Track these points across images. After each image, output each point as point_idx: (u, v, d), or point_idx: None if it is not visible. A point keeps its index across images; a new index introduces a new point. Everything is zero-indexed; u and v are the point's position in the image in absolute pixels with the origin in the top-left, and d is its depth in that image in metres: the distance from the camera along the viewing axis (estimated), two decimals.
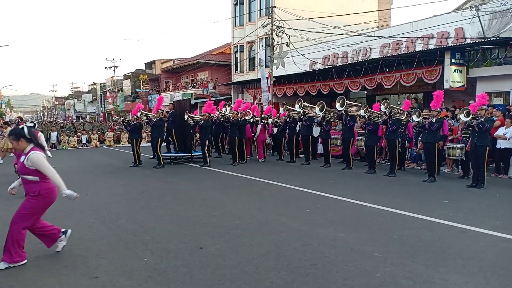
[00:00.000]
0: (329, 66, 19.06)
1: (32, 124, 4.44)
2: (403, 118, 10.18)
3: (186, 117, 12.47)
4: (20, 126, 4.17)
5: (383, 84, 16.18)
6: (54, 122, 33.77)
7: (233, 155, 12.36)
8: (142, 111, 12.90)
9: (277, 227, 5.21)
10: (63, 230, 4.39)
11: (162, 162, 11.97)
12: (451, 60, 13.16)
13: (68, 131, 25.36)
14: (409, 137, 11.29)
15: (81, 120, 38.52)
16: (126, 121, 13.59)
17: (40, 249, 4.44)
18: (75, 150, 20.95)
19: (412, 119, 9.85)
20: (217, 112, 13.03)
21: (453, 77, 13.32)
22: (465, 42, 13.72)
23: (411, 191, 7.87)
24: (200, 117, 12.64)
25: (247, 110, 14.11)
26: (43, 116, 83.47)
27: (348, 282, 3.44)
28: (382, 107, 10.27)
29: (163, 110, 12.60)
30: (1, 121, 15.09)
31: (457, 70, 13.36)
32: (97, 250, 4.38)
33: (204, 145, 12.10)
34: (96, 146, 23.19)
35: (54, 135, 22.56)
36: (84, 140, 23.34)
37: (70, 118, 59.11)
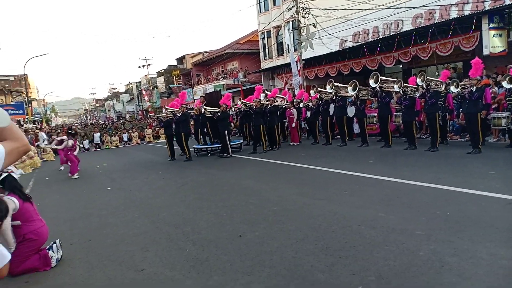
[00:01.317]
0: (360, 43, 18.51)
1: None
2: (441, 89, 9.75)
3: (202, 110, 12.59)
4: (2, 176, 4.22)
5: (419, 56, 15.54)
6: (96, 124, 35.12)
7: (261, 143, 12.35)
8: (167, 107, 13.24)
9: (315, 211, 5.18)
10: (48, 246, 4.22)
11: (188, 156, 12.25)
12: (489, 25, 12.40)
13: (109, 131, 26.37)
14: (450, 109, 10.81)
15: (121, 120, 39.88)
16: (160, 117, 13.89)
17: (89, 246, 4.68)
18: (118, 149, 21.78)
19: (450, 90, 9.41)
20: (239, 102, 12.94)
21: (493, 42, 12.56)
22: (504, 4, 12.84)
23: (454, 164, 7.55)
24: (217, 109, 12.63)
25: (277, 95, 14.02)
26: (86, 119, 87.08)
27: (390, 263, 3.37)
28: (419, 80, 9.86)
29: (186, 105, 12.72)
30: (64, 129, 15.75)
31: (496, 34, 12.58)
32: (142, 244, 4.55)
33: (224, 136, 12.08)
34: (137, 143, 23.97)
35: (97, 136, 23.57)
36: (125, 139, 24.20)
37: (110, 118, 61.33)
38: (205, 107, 12.65)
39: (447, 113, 10.62)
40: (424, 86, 9.56)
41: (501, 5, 12.86)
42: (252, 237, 4.39)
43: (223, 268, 3.63)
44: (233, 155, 12.08)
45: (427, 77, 9.76)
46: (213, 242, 4.35)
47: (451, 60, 16.50)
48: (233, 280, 3.36)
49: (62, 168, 13.06)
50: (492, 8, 12.94)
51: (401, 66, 19.36)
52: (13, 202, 4.00)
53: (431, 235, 3.90)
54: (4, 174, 4.27)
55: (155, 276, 3.60)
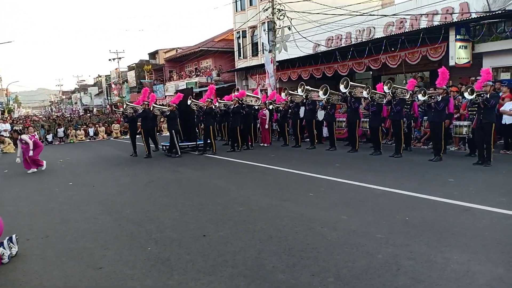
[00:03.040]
0: (332, 48, 18.82)
1: None
2: (407, 97, 10.05)
3: (189, 102, 12.56)
4: None
5: (388, 64, 15.96)
6: (61, 117, 33.99)
7: (205, 144, 12.31)
8: (128, 103, 13.30)
9: (280, 212, 5.22)
10: (7, 238, 4.08)
11: (136, 153, 12.67)
12: (456, 36, 12.93)
13: (75, 125, 25.57)
14: (415, 117, 11.17)
15: (88, 114, 38.72)
16: (125, 113, 13.46)
17: (47, 242, 4.52)
18: (83, 143, 21.16)
19: (417, 98, 9.72)
20: (189, 101, 12.86)
21: (459, 54, 13.09)
22: (470, 17, 13.43)
23: (416, 171, 7.81)
24: (166, 107, 12.73)
25: (247, 94, 14.00)
26: (51, 111, 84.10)
27: (349, 264, 3.44)
28: (385, 87, 10.13)
29: (148, 102, 12.55)
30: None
31: (462, 46, 13.13)
32: (102, 241, 4.44)
33: (172, 136, 12.05)
34: (103, 138, 23.37)
35: (60, 130, 22.87)
36: (91, 133, 23.53)
37: (77, 111, 59.51)
38: (154, 105, 12.58)
39: (412, 121, 10.97)
40: (391, 94, 9.83)
41: (467, 18, 13.42)
42: (216, 237, 4.38)
43: (185, 267, 3.60)
44: (204, 153, 12.03)
45: (394, 85, 10.06)
46: (176, 241, 4.30)
47: (419, 69, 17.06)
48: (194, 279, 3.33)
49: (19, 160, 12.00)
50: (459, 20, 13.48)
51: (371, 72, 19.84)
52: None
53: (390, 238, 4.02)
54: None
55: (114, 275, 3.52)
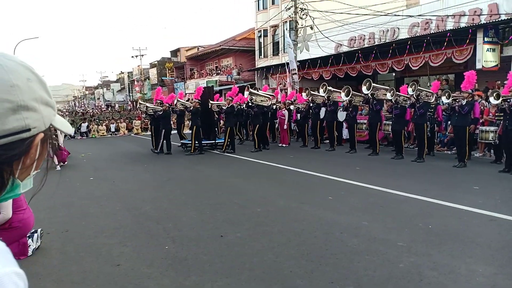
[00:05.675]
0: (355, 48, 18.55)
1: None
2: (431, 101, 9.81)
3: (175, 101, 12.76)
4: None
5: (411, 65, 15.63)
6: (85, 112, 34.57)
7: (192, 143, 12.19)
8: (141, 102, 13.59)
9: (299, 215, 5.15)
10: (29, 234, 4.10)
11: (158, 150, 12.64)
12: (483, 39, 12.53)
13: (97, 120, 26.00)
14: (439, 121, 10.89)
15: (109, 110, 39.28)
16: (150, 112, 13.64)
17: (66, 237, 4.58)
18: (104, 138, 21.51)
19: (442, 100, 9.47)
20: (175, 101, 12.96)
21: (486, 57, 12.69)
22: (499, 19, 12.99)
23: (439, 177, 7.60)
24: (159, 107, 12.75)
25: (258, 92, 13.87)
26: (74, 106, 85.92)
27: (370, 273, 3.35)
28: (410, 89, 9.91)
29: (161, 101, 12.76)
30: None
31: (490, 49, 12.71)
32: (121, 238, 4.47)
33: (162, 135, 12.24)
34: (124, 134, 23.70)
35: (84, 125, 23.32)
36: (112, 129, 23.90)
37: (99, 107, 60.53)
38: (147, 104, 12.78)
39: (435, 125, 10.70)
40: (415, 96, 9.60)
41: (496, 20, 12.99)
42: (233, 238, 4.35)
43: (202, 268, 3.57)
44: (219, 152, 12.04)
45: (418, 87, 9.81)
46: (194, 240, 4.29)
47: (443, 72, 16.66)
48: (211, 281, 3.31)
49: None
50: (488, 22, 13.06)
51: (394, 74, 19.48)
52: None
53: (412, 247, 3.90)
54: None
55: (132, 272, 3.53)
